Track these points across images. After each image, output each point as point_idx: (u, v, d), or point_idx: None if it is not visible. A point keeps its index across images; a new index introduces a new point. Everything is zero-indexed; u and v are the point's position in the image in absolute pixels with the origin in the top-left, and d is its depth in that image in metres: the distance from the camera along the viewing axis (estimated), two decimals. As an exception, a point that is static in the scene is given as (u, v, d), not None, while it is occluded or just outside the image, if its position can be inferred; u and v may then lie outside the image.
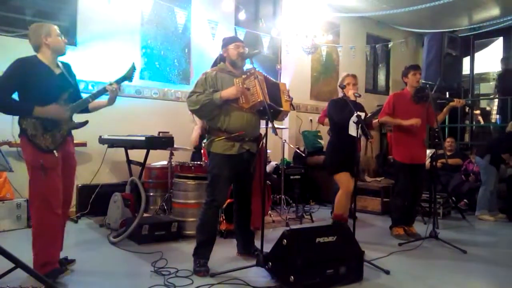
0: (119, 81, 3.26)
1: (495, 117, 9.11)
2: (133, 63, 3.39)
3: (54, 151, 2.95)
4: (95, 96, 3.18)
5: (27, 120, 2.89)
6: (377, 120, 4.84)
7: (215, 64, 3.63)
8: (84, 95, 3.26)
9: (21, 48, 4.92)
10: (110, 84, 3.18)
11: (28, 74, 2.89)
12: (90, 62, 5.43)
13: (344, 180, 4.28)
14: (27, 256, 2.77)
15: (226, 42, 3.53)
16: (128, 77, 3.31)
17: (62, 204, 3.04)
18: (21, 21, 5.18)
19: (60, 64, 3.14)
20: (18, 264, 2.34)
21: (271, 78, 3.68)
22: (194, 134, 5.57)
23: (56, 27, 3.07)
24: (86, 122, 3.23)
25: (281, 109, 3.49)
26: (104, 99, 3.28)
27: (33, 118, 2.90)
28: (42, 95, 2.93)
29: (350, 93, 4.17)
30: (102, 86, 3.24)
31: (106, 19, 5.69)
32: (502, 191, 6.25)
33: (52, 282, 2.56)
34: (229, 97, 3.31)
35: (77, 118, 3.23)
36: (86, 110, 3.25)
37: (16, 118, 2.96)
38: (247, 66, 3.52)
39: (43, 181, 2.90)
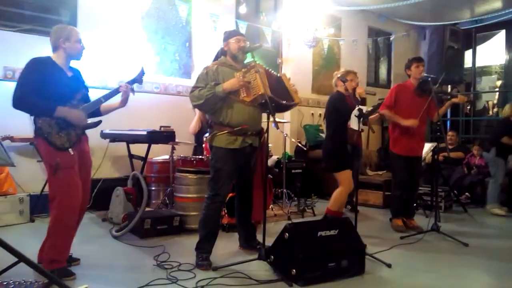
0: (129, 83, 3.30)
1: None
2: (142, 67, 3.44)
3: (69, 149, 2.97)
4: (108, 97, 3.20)
5: (42, 119, 2.91)
6: (377, 113, 4.83)
7: (216, 58, 3.62)
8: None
9: (22, 43, 4.98)
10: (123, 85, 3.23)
11: (43, 74, 2.91)
12: (91, 57, 5.41)
13: (348, 177, 4.24)
14: (30, 251, 2.78)
15: (227, 36, 3.51)
16: (138, 80, 3.36)
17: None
18: (21, 15, 5.18)
19: (72, 68, 3.17)
20: (21, 258, 2.35)
21: (273, 72, 3.67)
22: (193, 122, 5.64)
23: (77, 32, 3.10)
24: (99, 122, 3.26)
25: (292, 102, 3.52)
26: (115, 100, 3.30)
27: (50, 118, 2.91)
28: (56, 95, 2.95)
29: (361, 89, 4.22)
30: (114, 88, 3.28)
31: (106, 13, 5.68)
32: (505, 184, 6.23)
33: (54, 276, 2.57)
34: (232, 88, 3.30)
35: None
36: (98, 113, 3.27)
37: (32, 116, 2.98)
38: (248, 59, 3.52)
39: (61, 179, 2.92)
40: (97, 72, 5.52)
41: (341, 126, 4.26)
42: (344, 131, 4.23)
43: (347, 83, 4.09)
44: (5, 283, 2.51)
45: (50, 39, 3.07)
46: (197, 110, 5.15)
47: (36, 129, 2.94)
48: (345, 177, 4.23)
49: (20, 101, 2.85)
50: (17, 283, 2.52)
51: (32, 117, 2.97)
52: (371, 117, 4.72)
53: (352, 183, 4.28)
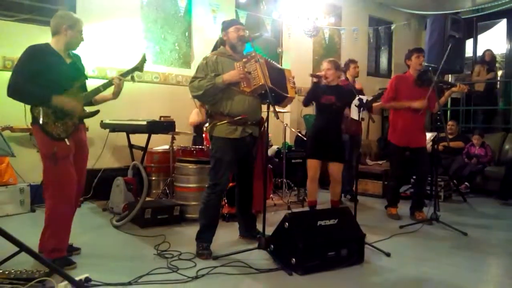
0: (129, 72, 3.28)
1: None
2: (144, 54, 3.41)
3: (66, 139, 2.97)
4: (106, 86, 3.18)
5: (39, 108, 2.91)
6: (379, 103, 4.81)
7: (215, 48, 3.60)
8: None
9: (21, 32, 4.96)
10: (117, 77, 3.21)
11: (41, 62, 2.89)
12: (90, 46, 5.39)
13: (310, 166, 4.40)
14: (31, 240, 2.78)
15: (226, 25, 3.49)
16: (139, 68, 3.33)
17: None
18: (20, 5, 5.15)
19: (71, 54, 3.14)
20: (22, 248, 2.36)
21: (275, 63, 3.65)
22: (193, 113, 5.64)
23: (82, 23, 3.08)
24: (97, 112, 3.24)
25: (287, 95, 3.49)
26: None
27: (46, 107, 2.91)
28: (55, 83, 2.94)
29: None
30: (109, 78, 3.26)
31: (105, 2, 5.64)
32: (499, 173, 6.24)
33: (56, 266, 2.58)
34: (231, 80, 3.29)
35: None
36: (89, 102, 3.24)
37: (28, 105, 2.97)
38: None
39: (56, 169, 2.92)
40: (96, 62, 5.49)
41: (318, 114, 4.45)
42: (320, 120, 4.37)
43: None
44: (6, 272, 2.53)
45: (52, 22, 3.02)
46: (197, 101, 5.14)
47: (33, 118, 2.93)
48: (308, 166, 4.40)
49: (14, 90, 2.84)
50: (19, 272, 2.54)
51: (29, 107, 2.96)
52: (375, 104, 4.68)
53: (315, 173, 4.38)
